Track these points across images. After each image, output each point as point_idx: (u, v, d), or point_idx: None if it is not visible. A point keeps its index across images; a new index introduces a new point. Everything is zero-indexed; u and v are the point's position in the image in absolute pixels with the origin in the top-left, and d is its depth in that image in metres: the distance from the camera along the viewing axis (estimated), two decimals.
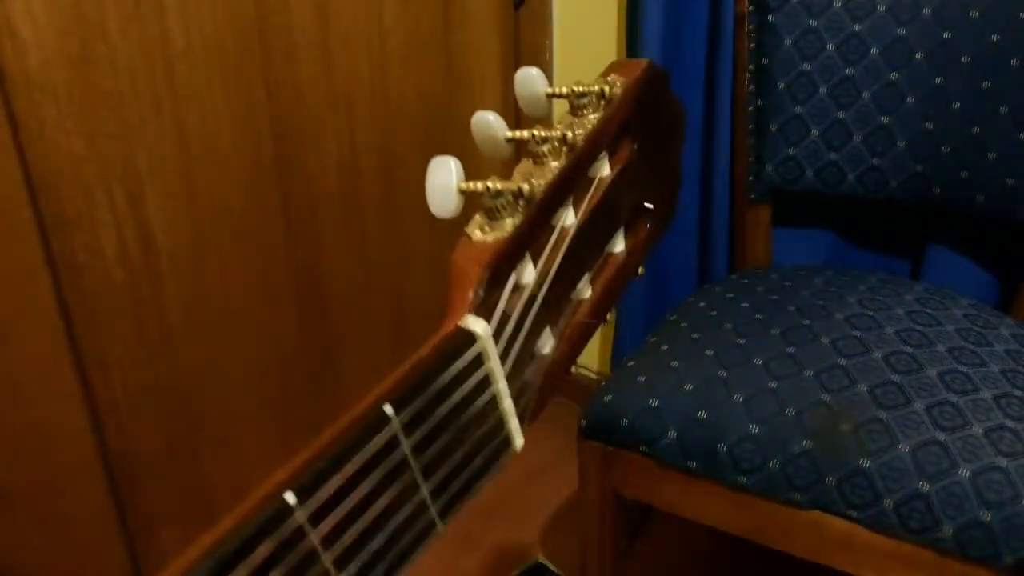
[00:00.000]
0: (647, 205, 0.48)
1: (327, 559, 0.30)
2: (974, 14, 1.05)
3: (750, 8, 1.14)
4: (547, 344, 0.40)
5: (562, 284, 0.40)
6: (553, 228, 0.40)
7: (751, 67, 1.16)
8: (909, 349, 0.94)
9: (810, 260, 1.32)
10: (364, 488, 0.31)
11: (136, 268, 1.07)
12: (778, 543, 0.92)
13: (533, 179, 0.38)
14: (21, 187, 0.95)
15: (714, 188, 1.31)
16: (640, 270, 0.48)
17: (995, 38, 1.05)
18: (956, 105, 1.08)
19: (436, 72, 1.36)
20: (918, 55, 1.09)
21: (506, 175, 0.39)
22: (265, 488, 0.30)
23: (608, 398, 0.97)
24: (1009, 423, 0.85)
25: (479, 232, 0.38)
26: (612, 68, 0.45)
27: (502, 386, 0.36)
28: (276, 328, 1.26)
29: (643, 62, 0.45)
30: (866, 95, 1.12)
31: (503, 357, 0.36)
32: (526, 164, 0.41)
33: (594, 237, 0.43)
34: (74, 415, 1.07)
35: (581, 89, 0.43)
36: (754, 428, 0.89)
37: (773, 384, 0.91)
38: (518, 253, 0.37)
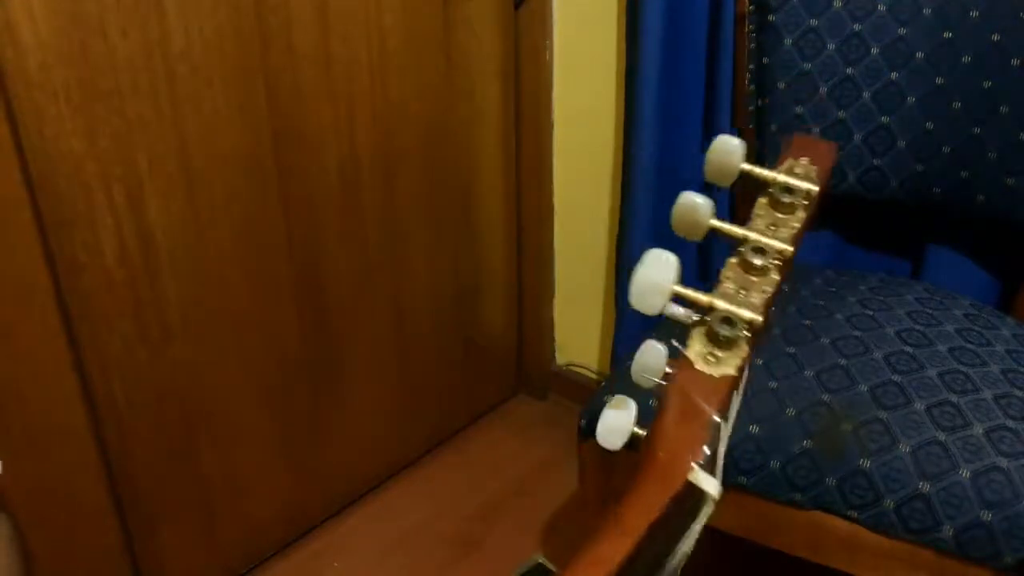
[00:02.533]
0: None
1: None
2: (974, 14, 1.05)
3: (750, 8, 1.14)
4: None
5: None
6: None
7: (751, 67, 1.16)
8: (909, 349, 0.94)
9: (810, 260, 1.32)
10: None
11: (136, 268, 1.07)
12: (778, 543, 0.92)
13: (752, 298, 0.34)
14: (21, 187, 0.95)
15: (714, 188, 1.30)
16: None
17: (995, 38, 1.04)
18: (956, 105, 1.08)
19: (436, 72, 1.36)
20: (918, 55, 1.09)
21: None
22: None
23: (608, 398, 0.97)
24: (1009, 423, 0.85)
25: (704, 363, 0.33)
26: (800, 148, 0.41)
27: (687, 546, 0.33)
28: (276, 328, 1.26)
29: (832, 148, 0.42)
30: (866, 95, 1.12)
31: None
32: (739, 275, 0.35)
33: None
34: (74, 415, 1.07)
35: (790, 183, 0.38)
36: (754, 428, 0.89)
37: (773, 384, 0.91)
38: (736, 391, 0.34)
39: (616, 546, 0.30)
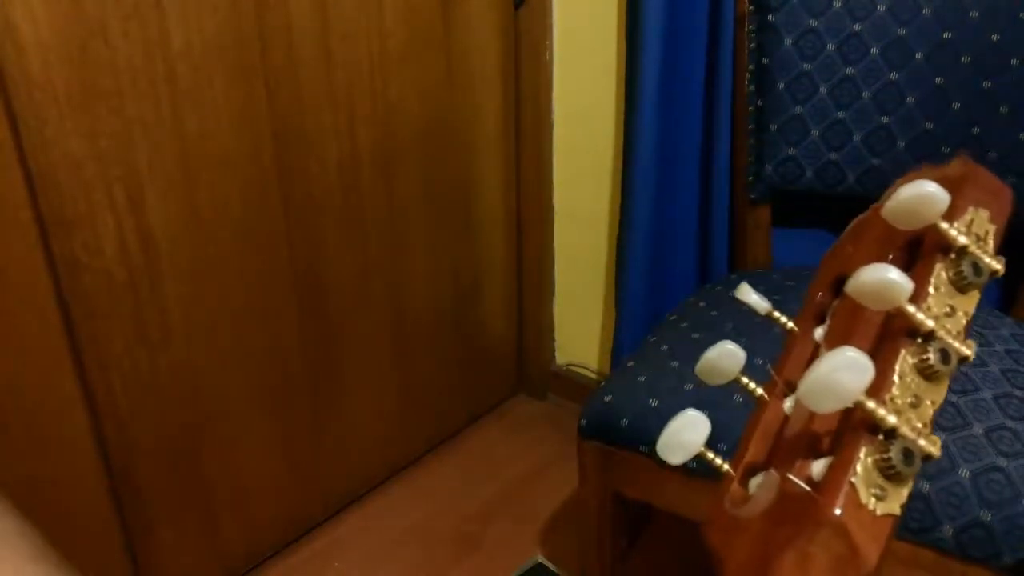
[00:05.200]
0: None
1: None
2: (974, 14, 1.05)
3: (750, 8, 1.14)
4: None
5: None
6: None
7: (751, 67, 1.16)
8: None
9: (810, 260, 1.32)
10: None
11: (136, 268, 1.07)
12: None
13: (922, 416, 0.28)
14: (21, 187, 0.95)
15: (714, 188, 1.31)
16: None
17: (995, 38, 1.04)
18: (956, 105, 1.08)
19: (436, 72, 1.36)
20: (918, 55, 1.09)
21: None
22: None
23: (608, 398, 0.97)
24: (1009, 423, 0.85)
25: (873, 499, 0.27)
26: (977, 191, 0.32)
27: None
28: (276, 328, 1.26)
29: (1010, 196, 0.33)
30: (866, 95, 1.12)
31: None
32: (914, 380, 0.29)
33: None
34: (74, 415, 1.07)
35: (984, 261, 0.30)
36: None
37: None
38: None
39: None
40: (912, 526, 0.83)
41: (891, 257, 0.33)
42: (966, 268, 0.29)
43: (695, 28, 1.27)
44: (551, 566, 1.37)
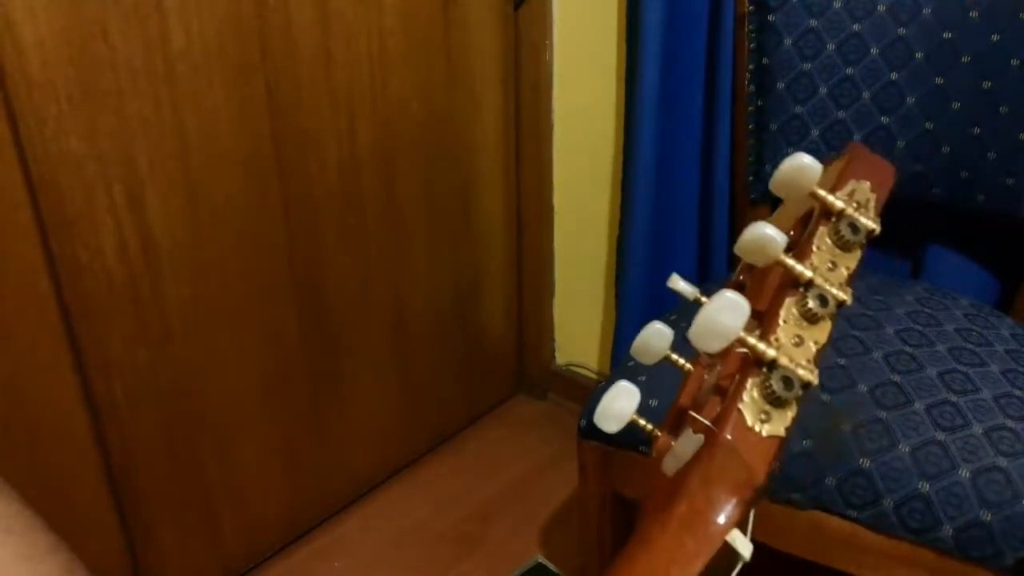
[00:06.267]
0: None
1: None
2: (974, 14, 1.05)
3: (750, 8, 1.14)
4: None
5: None
6: None
7: (751, 67, 1.16)
8: (909, 349, 0.94)
9: None
10: None
11: (136, 268, 1.07)
12: (778, 543, 0.92)
13: (805, 353, 0.32)
14: (21, 187, 0.95)
15: (714, 188, 1.31)
16: None
17: (995, 38, 1.04)
18: (956, 105, 1.08)
19: (436, 72, 1.36)
20: (918, 55, 1.09)
21: None
22: None
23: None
24: (1009, 423, 0.85)
25: (756, 419, 0.31)
26: (860, 166, 0.37)
27: None
28: (276, 328, 1.26)
29: (891, 171, 0.38)
30: (866, 95, 1.12)
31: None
32: (797, 322, 0.33)
33: None
34: (74, 415, 1.07)
35: (861, 221, 0.34)
36: None
37: None
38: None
39: None
40: (912, 526, 0.83)
41: (791, 233, 0.37)
42: (844, 228, 0.34)
43: (695, 28, 1.27)
44: (551, 566, 1.37)
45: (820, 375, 0.32)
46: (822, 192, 0.35)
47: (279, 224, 1.21)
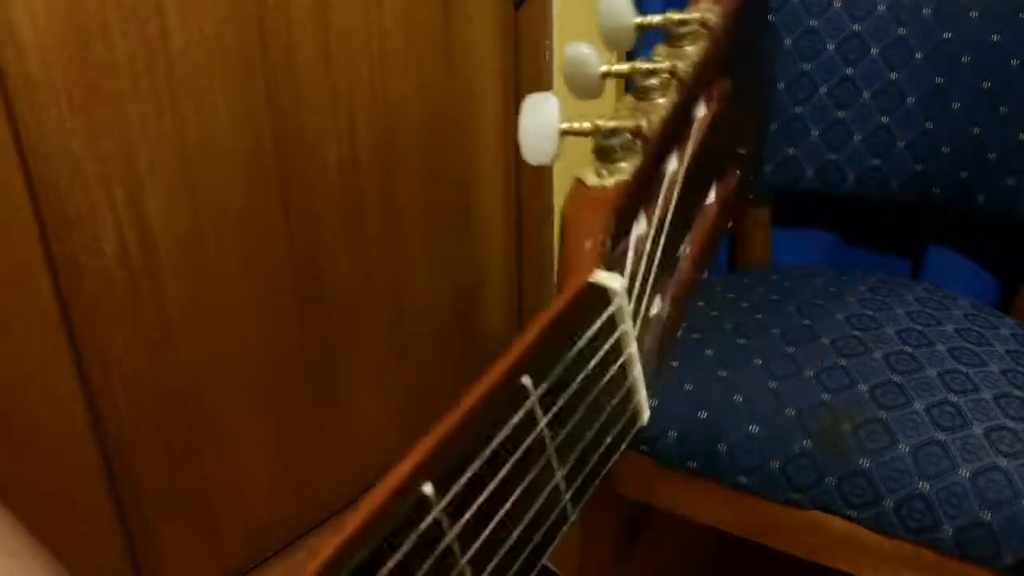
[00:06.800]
0: (739, 151, 0.43)
1: (463, 560, 0.25)
2: (974, 14, 1.05)
3: None
4: (655, 306, 0.35)
5: (672, 238, 0.36)
6: (662, 176, 0.35)
7: None
8: (909, 349, 0.94)
9: (810, 260, 1.32)
10: (501, 474, 0.26)
11: (136, 268, 1.07)
12: (778, 543, 0.92)
13: (647, 116, 0.34)
14: (21, 187, 0.95)
15: None
16: (731, 224, 0.43)
17: (995, 38, 1.04)
18: (956, 105, 1.08)
19: (436, 72, 1.36)
20: (918, 55, 1.09)
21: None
22: (398, 475, 0.24)
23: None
24: (1009, 423, 0.85)
25: (595, 177, 0.33)
26: None
27: (634, 350, 0.32)
28: (276, 328, 1.26)
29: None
30: (866, 95, 1.12)
31: (632, 318, 0.32)
32: (629, 100, 0.35)
33: (696, 186, 0.38)
34: (74, 415, 1.07)
35: (680, 17, 0.37)
36: (754, 428, 0.89)
37: (773, 384, 0.91)
38: (641, 199, 0.33)
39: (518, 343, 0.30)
40: (912, 526, 0.83)
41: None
42: (674, 28, 0.37)
43: None
44: (551, 566, 1.36)
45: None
46: (642, 19, 0.37)
47: (279, 224, 1.21)
